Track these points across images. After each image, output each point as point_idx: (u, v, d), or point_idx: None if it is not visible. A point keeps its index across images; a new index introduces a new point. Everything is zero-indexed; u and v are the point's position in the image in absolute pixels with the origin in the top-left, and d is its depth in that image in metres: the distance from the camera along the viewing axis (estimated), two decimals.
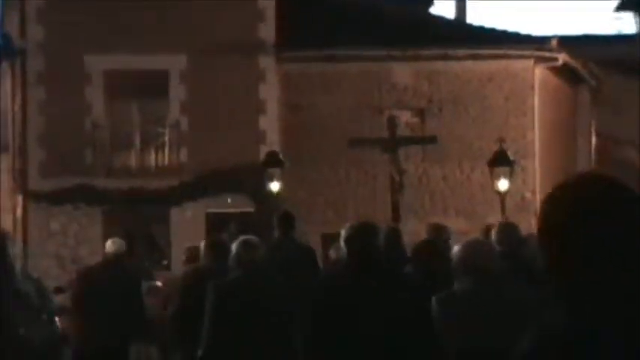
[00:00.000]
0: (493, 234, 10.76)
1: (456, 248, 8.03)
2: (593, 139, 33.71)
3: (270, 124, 29.05)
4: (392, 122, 24.42)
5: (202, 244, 11.06)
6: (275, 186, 25.27)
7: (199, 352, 8.80)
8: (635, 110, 32.67)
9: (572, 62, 30.71)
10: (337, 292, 7.51)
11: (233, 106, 28.17)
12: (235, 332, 8.85)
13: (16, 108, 29.80)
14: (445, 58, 28.95)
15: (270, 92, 29.07)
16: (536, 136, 29.25)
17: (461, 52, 29.57)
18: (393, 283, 7.60)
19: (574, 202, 2.22)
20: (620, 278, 2.13)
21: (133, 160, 29.26)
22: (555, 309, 2.28)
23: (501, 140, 25.27)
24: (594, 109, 33.95)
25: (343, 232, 7.62)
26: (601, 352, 2.05)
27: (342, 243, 7.77)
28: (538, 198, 27.15)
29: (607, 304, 2.14)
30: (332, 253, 12.14)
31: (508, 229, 10.41)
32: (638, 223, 2.16)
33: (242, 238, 9.74)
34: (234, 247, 9.37)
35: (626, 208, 2.17)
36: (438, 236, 11.08)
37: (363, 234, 7.51)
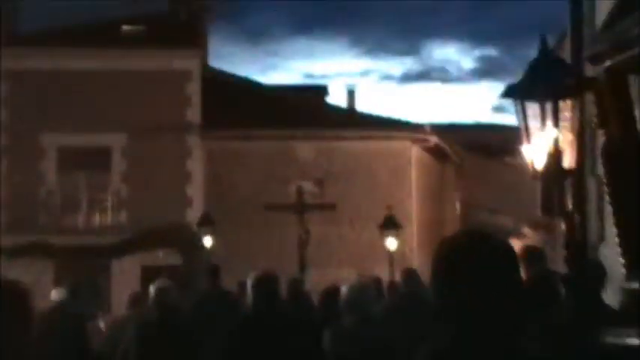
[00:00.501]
0: (397, 278, 12.26)
1: (343, 289, 8.68)
2: (458, 206, 36.50)
3: (195, 191, 31.54)
4: (299, 191, 26.14)
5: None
6: (208, 241, 27.44)
7: None
8: (489, 183, 36.28)
9: (441, 144, 33.49)
10: (246, 329, 8.29)
11: (165, 176, 30.34)
12: None
13: None
14: (339, 138, 31.46)
15: (195, 165, 31.64)
16: (414, 203, 31.31)
17: (352, 133, 31.96)
18: (287, 324, 8.29)
19: (457, 248, 2.78)
20: (491, 305, 2.63)
21: (80, 221, 31.12)
22: (443, 334, 2.74)
23: (389, 207, 27.40)
24: (458, 181, 36.79)
25: (249, 280, 8.39)
26: None
27: (248, 288, 8.44)
28: (415, 254, 29.20)
29: (487, 328, 2.65)
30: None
31: (411, 274, 11.35)
32: (501, 262, 2.72)
33: (157, 284, 10.16)
34: (151, 291, 9.95)
35: (493, 251, 2.72)
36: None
37: (264, 281, 8.26)
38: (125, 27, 33.34)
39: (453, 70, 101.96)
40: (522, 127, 7.80)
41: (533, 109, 7.76)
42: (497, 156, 40.35)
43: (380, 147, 32.32)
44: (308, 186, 29.11)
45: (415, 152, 32.91)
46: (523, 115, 7.58)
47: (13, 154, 31.20)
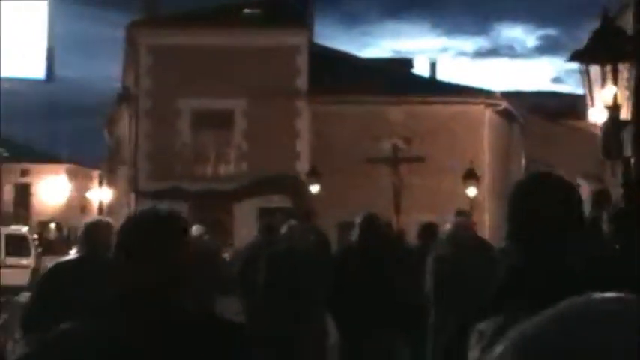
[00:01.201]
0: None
1: (447, 226, 9.61)
2: (523, 161, 38.79)
3: (303, 146, 34.48)
4: (395, 147, 28.84)
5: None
6: (314, 189, 30.45)
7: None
8: (549, 142, 38.34)
9: (510, 107, 36.32)
10: (352, 256, 9.05)
11: (278, 134, 33.14)
12: (278, 291, 9.62)
13: (132, 135, 35.55)
14: (424, 102, 34.21)
15: (303, 125, 34.59)
16: (486, 159, 33.97)
17: (434, 99, 34.81)
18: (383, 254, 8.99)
19: (528, 182, 3.12)
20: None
21: (208, 171, 34.40)
22: (517, 254, 2.89)
23: (471, 161, 30.05)
24: (524, 140, 39.16)
25: (357, 219, 9.06)
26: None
27: (356, 226, 9.07)
28: (487, 201, 31.62)
29: (550, 249, 2.77)
30: (351, 235, 11.26)
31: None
32: (567, 197, 2.85)
33: (290, 222, 11.02)
34: (283, 228, 10.81)
35: (556, 184, 2.90)
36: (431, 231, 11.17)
37: (368, 220, 8.95)
38: (246, 10, 35.81)
39: (518, 48, 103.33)
40: (586, 85, 8.28)
41: (595, 70, 8.12)
42: (556, 119, 42.02)
43: (458, 110, 34.57)
44: (399, 143, 30.61)
45: (488, 115, 35.31)
46: (587, 76, 8.03)
47: (154, 116, 34.54)
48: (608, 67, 7.27)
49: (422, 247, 10.52)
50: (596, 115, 9.52)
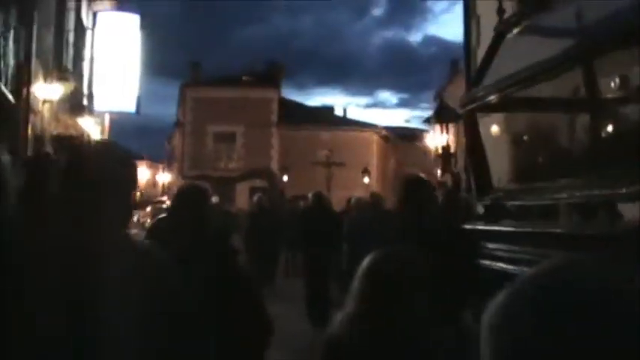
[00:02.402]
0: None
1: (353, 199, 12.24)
2: (392, 162, 49.29)
3: (275, 154, 44.74)
4: (326, 155, 39.68)
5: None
6: (285, 177, 40.32)
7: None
8: (407, 153, 49.72)
9: (386, 134, 47.84)
10: (309, 211, 11.92)
11: (261, 146, 43.75)
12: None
13: (180, 145, 46.40)
14: (340, 130, 44.72)
15: (275, 141, 44.86)
16: (374, 161, 44.81)
17: (346, 127, 45.57)
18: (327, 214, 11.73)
19: (407, 180, 4.07)
20: None
21: (222, 165, 43.65)
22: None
23: (366, 163, 41.87)
24: (393, 151, 49.79)
25: (310, 193, 12.21)
26: None
27: (311, 196, 11.99)
28: (374, 185, 41.68)
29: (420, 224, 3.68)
30: (308, 200, 12.79)
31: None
32: (428, 186, 3.82)
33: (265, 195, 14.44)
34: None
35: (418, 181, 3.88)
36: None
37: (318, 194, 12.18)
38: (244, 77, 47.35)
39: (387, 103, 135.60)
40: (432, 132, 9.89)
41: (437, 127, 9.85)
42: (409, 141, 47.33)
43: (358, 135, 46.36)
44: (327, 152, 41.86)
45: (375, 138, 47.66)
46: (433, 128, 9.34)
47: (193, 135, 45.78)
48: (444, 125, 8.60)
49: (344, 210, 14.11)
50: (431, 142, 14.77)
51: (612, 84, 3.97)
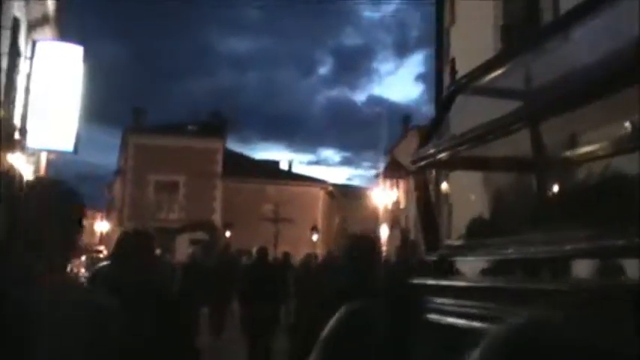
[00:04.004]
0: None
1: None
2: (336, 219, 52.57)
3: (218, 206, 44.94)
4: (273, 210, 40.71)
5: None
6: (228, 233, 40.60)
7: None
8: (351, 209, 50.55)
9: (332, 190, 49.53)
10: (252, 266, 12.49)
11: (203, 197, 44.06)
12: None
13: (121, 193, 46.55)
14: (286, 184, 45.47)
15: (218, 193, 44.98)
16: (320, 217, 45.89)
17: (292, 182, 46.47)
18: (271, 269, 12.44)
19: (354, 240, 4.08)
20: None
21: (163, 216, 43.77)
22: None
23: (314, 226, 43.03)
24: (337, 207, 51.25)
25: (254, 248, 12.77)
26: None
27: (255, 251, 12.68)
28: (320, 241, 44.53)
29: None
30: (251, 256, 13.94)
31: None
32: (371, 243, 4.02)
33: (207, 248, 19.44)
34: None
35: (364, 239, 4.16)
36: None
37: (262, 249, 12.41)
38: (189, 127, 47.62)
39: (330, 161, 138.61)
40: (382, 187, 14.53)
41: (388, 182, 15.28)
42: (351, 199, 51.35)
43: (305, 190, 47.04)
44: (272, 206, 42.96)
45: (321, 194, 48.39)
46: (384, 183, 13.82)
47: (134, 183, 45.87)
48: (394, 181, 11.75)
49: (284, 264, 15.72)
50: (378, 199, 20.97)
51: (560, 144, 4.13)
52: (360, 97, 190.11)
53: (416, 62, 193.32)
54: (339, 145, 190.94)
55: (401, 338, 2.79)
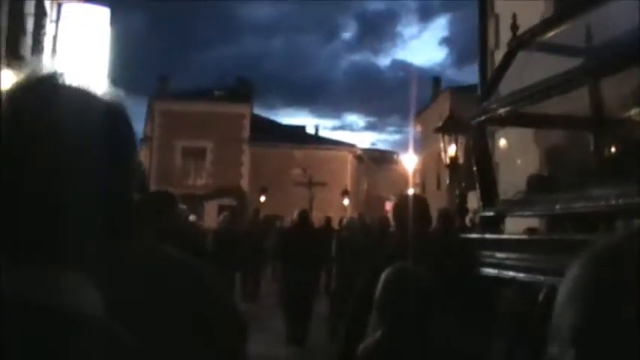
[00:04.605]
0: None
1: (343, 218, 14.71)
2: (365, 184, 51.87)
3: (245, 171, 44.99)
4: (301, 174, 40.75)
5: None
6: (262, 198, 41.45)
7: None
8: (380, 174, 51.42)
9: (360, 153, 50.43)
10: (292, 231, 12.05)
11: (231, 164, 43.97)
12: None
13: (148, 160, 44.29)
14: (313, 149, 45.45)
15: (246, 159, 45.00)
16: (349, 181, 45.74)
17: (318, 146, 45.88)
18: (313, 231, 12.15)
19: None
20: None
21: (190, 182, 43.48)
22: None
23: (345, 185, 42.84)
24: (365, 171, 52.20)
25: (296, 211, 12.08)
26: None
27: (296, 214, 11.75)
28: (350, 206, 42.99)
29: None
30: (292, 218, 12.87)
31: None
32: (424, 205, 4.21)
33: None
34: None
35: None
36: None
37: (303, 211, 12.09)
38: (215, 92, 47.63)
39: (354, 126, 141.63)
40: (441, 143, 8.77)
41: (446, 139, 8.78)
42: (378, 162, 52.52)
43: (332, 154, 46.95)
44: (299, 171, 43.07)
45: (350, 157, 48.31)
46: (443, 138, 8.55)
47: (160, 150, 45.66)
48: (453, 137, 8.43)
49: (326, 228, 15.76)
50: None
51: (619, 102, 4.26)
52: (383, 61, 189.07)
53: (440, 26, 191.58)
54: (364, 110, 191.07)
55: (450, 296, 3.03)
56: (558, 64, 4.16)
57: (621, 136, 4.46)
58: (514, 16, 4.29)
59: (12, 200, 1.04)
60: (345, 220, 12.84)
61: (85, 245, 1.07)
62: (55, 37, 21.04)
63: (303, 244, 11.26)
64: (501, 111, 4.16)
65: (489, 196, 4.07)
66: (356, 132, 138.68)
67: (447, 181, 10.57)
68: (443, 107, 36.70)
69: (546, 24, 4.24)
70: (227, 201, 41.79)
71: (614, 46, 3.79)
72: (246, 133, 47.31)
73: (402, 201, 4.66)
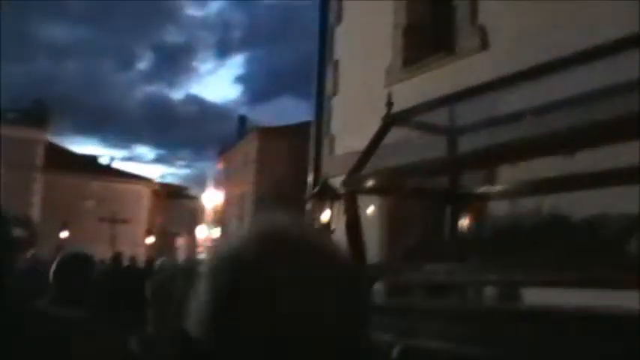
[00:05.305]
0: None
1: None
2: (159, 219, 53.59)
3: None
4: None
5: None
6: None
7: None
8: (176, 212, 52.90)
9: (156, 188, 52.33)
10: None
11: None
12: None
13: None
14: (114, 182, 49.33)
15: None
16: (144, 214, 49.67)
17: (123, 180, 49.41)
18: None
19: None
20: None
21: None
22: None
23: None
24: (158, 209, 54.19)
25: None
26: None
27: None
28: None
29: None
30: None
31: None
32: None
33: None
34: None
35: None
36: None
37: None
38: (10, 114, 45.05)
39: (143, 158, 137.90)
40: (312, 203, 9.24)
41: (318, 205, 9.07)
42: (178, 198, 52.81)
43: (126, 188, 46.84)
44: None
45: (147, 192, 48.81)
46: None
47: None
48: (328, 202, 8.46)
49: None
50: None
51: (482, 182, 4.84)
52: (177, 94, 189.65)
53: (236, 64, 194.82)
54: (154, 142, 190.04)
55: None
56: (433, 144, 4.66)
57: (479, 216, 5.01)
58: (389, 95, 4.71)
59: None
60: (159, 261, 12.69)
61: None
62: None
63: (126, 289, 10.89)
64: (372, 183, 4.55)
65: (359, 261, 4.43)
66: (145, 164, 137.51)
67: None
68: (250, 146, 37.20)
69: (423, 106, 4.71)
70: (16, 231, 39.84)
71: (483, 134, 4.31)
72: (39, 159, 45.45)
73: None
